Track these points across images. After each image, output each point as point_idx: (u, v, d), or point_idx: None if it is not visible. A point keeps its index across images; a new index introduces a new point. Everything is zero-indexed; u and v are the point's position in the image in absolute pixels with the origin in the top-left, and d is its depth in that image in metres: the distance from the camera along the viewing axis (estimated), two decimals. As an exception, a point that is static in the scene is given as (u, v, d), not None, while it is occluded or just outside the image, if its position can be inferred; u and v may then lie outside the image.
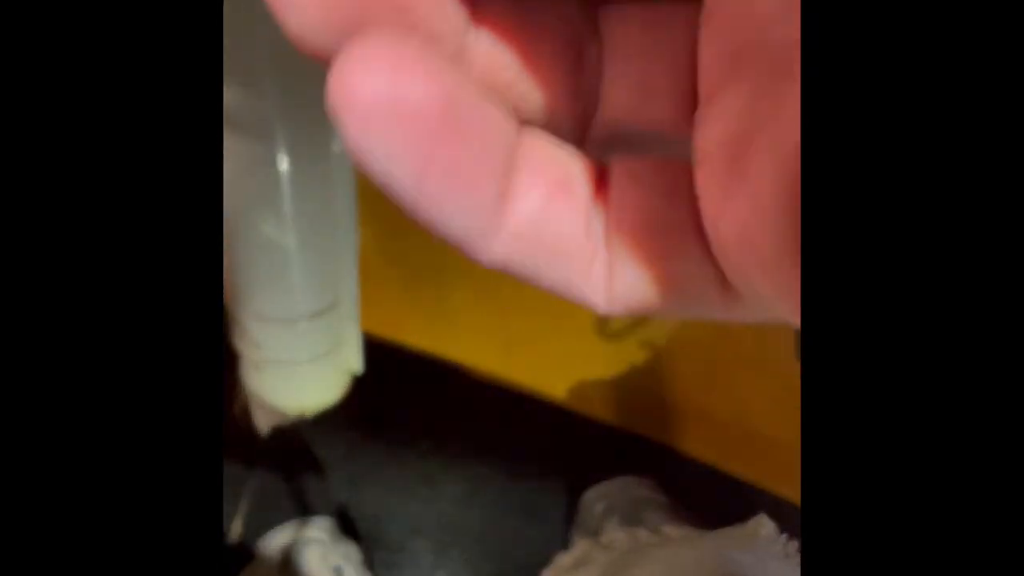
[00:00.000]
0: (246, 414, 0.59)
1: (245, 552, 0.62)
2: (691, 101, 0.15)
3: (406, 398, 0.68)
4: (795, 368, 0.15)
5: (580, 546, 0.52)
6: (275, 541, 0.62)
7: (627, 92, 0.15)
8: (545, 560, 0.54)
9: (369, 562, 0.64)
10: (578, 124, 0.15)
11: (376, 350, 0.60)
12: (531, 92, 0.15)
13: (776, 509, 0.51)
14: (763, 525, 0.48)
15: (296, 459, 0.65)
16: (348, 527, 0.65)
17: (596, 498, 0.64)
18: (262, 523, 0.63)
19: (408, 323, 0.66)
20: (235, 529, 0.63)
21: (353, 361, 0.58)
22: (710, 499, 0.61)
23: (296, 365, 0.54)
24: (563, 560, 0.51)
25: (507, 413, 0.68)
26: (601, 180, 0.14)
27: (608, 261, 0.14)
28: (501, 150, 0.13)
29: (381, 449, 0.68)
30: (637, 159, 0.15)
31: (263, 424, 0.59)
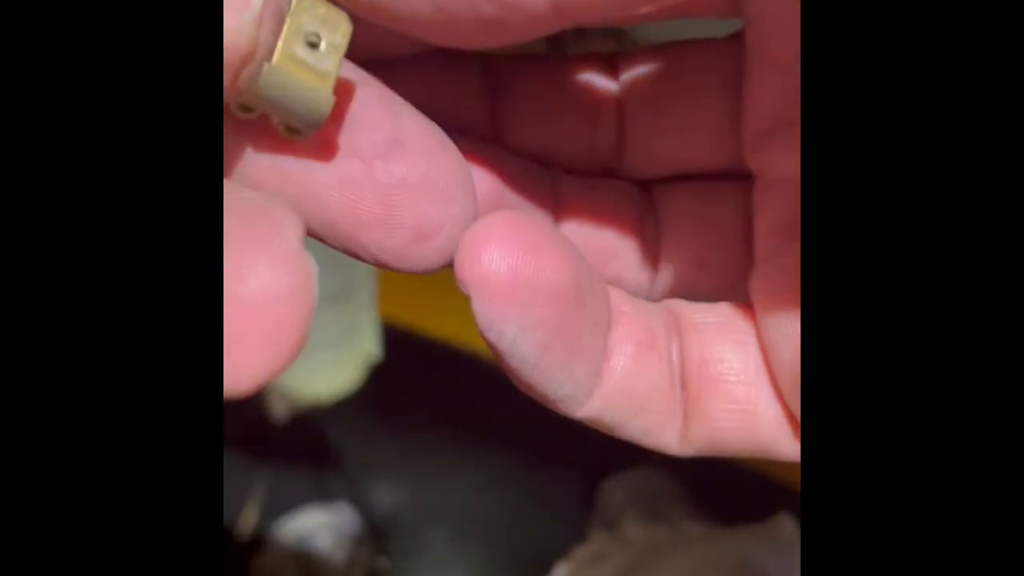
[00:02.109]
0: (261, 401, 0.59)
1: (260, 538, 0.62)
2: (743, 266, 0.16)
3: (423, 386, 0.67)
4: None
5: (597, 540, 0.52)
6: (290, 527, 0.62)
7: (685, 267, 0.16)
8: (562, 550, 0.54)
9: (385, 549, 0.64)
10: (640, 291, 0.16)
11: (394, 337, 0.59)
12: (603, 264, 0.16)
13: (798, 506, 0.50)
14: (784, 524, 0.47)
15: (312, 446, 0.65)
16: (364, 514, 0.64)
17: (615, 489, 0.63)
18: (277, 510, 0.63)
19: (426, 310, 0.66)
20: (250, 516, 0.63)
21: (370, 348, 0.58)
22: (732, 493, 0.60)
23: (312, 351, 0.54)
24: (580, 554, 0.50)
25: (526, 402, 0.67)
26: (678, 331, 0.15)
27: (684, 410, 0.15)
28: (606, 317, 0.14)
29: (398, 437, 0.67)
30: (703, 309, 0.16)
31: (279, 411, 0.59)
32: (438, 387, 0.68)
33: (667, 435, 0.15)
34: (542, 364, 0.13)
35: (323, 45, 0.11)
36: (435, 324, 0.66)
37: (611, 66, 0.15)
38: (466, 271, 0.12)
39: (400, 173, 0.13)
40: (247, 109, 0.12)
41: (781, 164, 0.14)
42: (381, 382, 0.59)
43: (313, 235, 0.13)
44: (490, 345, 0.13)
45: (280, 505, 0.63)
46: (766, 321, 0.14)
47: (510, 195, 0.14)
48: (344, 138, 0.13)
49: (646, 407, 0.15)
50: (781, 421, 0.15)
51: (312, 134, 0.12)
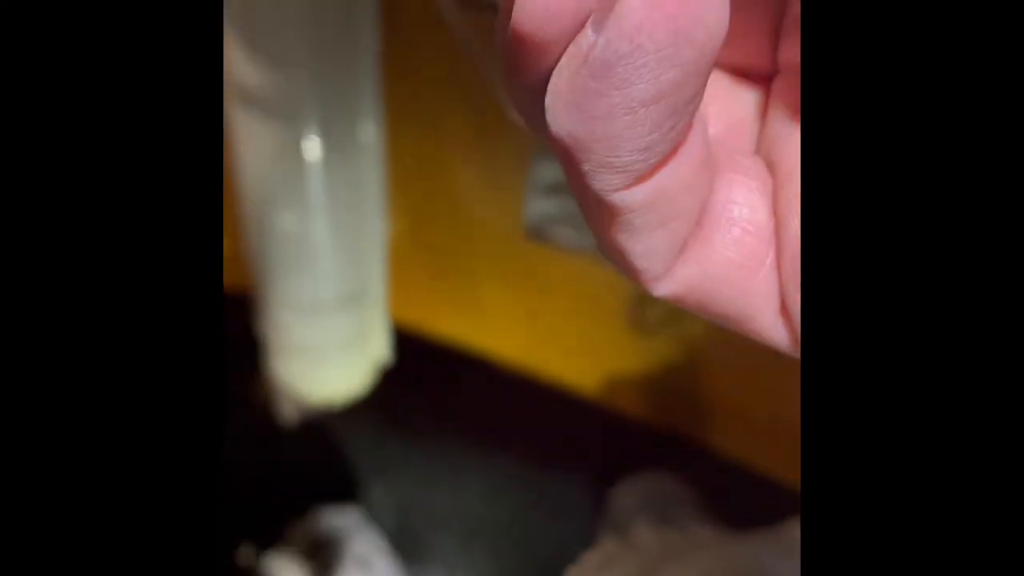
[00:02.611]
0: (272, 403, 0.59)
1: (270, 540, 0.62)
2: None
3: (433, 389, 0.67)
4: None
5: (607, 545, 0.51)
6: (301, 530, 0.62)
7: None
8: (571, 555, 0.54)
9: (395, 552, 0.64)
10: None
11: (404, 341, 0.59)
12: None
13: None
14: (795, 529, 0.47)
15: (322, 449, 0.65)
16: (374, 517, 0.64)
17: (625, 494, 0.63)
18: (287, 512, 0.63)
19: (437, 313, 0.66)
20: (260, 518, 0.63)
21: (381, 351, 0.58)
22: (743, 499, 0.60)
23: (322, 352, 0.54)
24: (589, 559, 0.50)
25: (536, 406, 0.67)
26: None
27: (688, 243, 0.14)
28: (695, 110, 0.13)
29: (408, 440, 0.67)
30: (745, 154, 0.15)
31: (290, 414, 0.59)
32: (448, 390, 0.68)
33: (663, 264, 0.14)
34: (642, 116, 0.12)
35: None
36: (446, 327, 0.66)
37: None
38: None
39: None
40: None
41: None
42: (391, 385, 0.59)
43: None
44: (605, 61, 0.11)
45: (290, 508, 0.63)
46: (776, 194, 0.14)
47: None
48: None
49: (673, 222, 0.13)
50: (773, 292, 0.14)
51: None
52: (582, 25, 0.12)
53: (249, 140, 0.48)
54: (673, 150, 0.13)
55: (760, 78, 0.16)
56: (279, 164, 0.48)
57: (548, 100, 0.12)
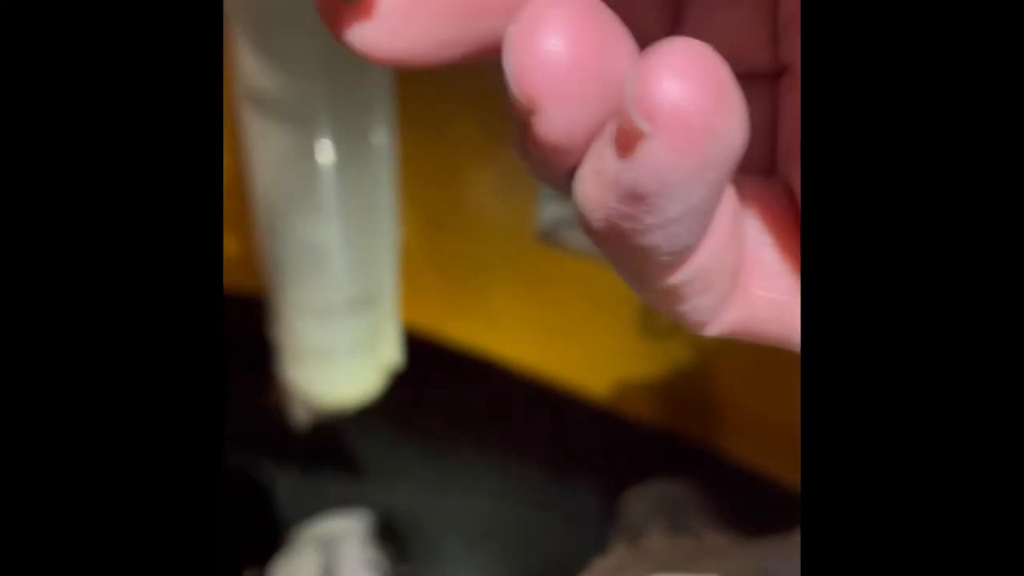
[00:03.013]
0: (283, 407, 0.59)
1: (281, 543, 0.62)
2: (771, 158, 0.16)
3: (444, 394, 0.67)
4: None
5: (618, 551, 0.51)
6: (311, 534, 0.62)
7: None
8: (581, 561, 0.53)
9: (404, 557, 0.64)
10: None
11: (415, 346, 0.59)
12: None
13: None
14: (809, 536, 0.47)
15: (333, 453, 0.65)
16: (384, 521, 0.64)
17: (637, 500, 0.63)
18: (298, 515, 0.63)
19: (448, 317, 0.66)
20: (271, 521, 0.63)
21: (392, 355, 0.58)
22: (755, 505, 0.60)
23: (334, 356, 0.54)
24: (600, 565, 0.50)
25: (547, 411, 0.67)
26: None
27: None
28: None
29: (418, 444, 0.67)
30: (762, 184, 0.15)
31: (301, 418, 0.59)
32: (459, 395, 0.68)
33: (709, 315, 0.14)
34: (674, 229, 0.12)
35: None
36: (457, 331, 0.66)
37: None
38: (654, 97, 0.10)
39: None
40: None
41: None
42: (402, 389, 0.59)
43: None
44: (633, 192, 0.11)
45: (301, 511, 0.63)
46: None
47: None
48: None
49: (713, 286, 0.14)
50: None
51: None
52: (603, 125, 0.12)
53: (261, 143, 0.48)
54: (707, 233, 0.13)
55: (765, 78, 0.16)
56: (291, 167, 0.48)
57: (579, 208, 0.12)
